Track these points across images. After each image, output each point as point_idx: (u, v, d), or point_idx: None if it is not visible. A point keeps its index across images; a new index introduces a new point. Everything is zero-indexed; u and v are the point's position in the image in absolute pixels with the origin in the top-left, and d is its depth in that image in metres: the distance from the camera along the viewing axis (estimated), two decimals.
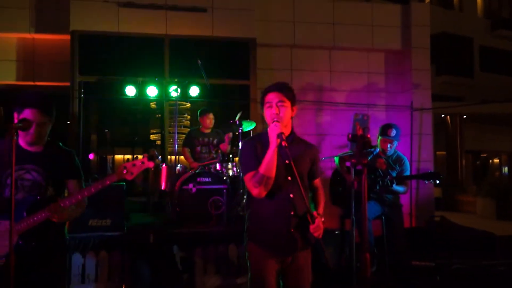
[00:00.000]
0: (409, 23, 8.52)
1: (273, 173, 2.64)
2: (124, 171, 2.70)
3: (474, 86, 18.86)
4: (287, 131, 2.80)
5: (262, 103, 2.85)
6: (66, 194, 2.93)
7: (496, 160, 22.09)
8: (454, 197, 15.15)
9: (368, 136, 2.92)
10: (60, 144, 3.00)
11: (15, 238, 2.56)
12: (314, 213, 2.72)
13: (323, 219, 2.72)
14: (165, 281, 5.01)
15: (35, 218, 2.67)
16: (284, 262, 2.79)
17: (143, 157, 2.75)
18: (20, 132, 2.74)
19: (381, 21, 8.54)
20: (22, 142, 2.78)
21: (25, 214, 2.67)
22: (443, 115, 16.01)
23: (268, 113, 2.78)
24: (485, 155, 21.03)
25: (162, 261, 5.09)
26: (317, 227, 2.64)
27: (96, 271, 4.94)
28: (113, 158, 13.16)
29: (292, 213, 2.72)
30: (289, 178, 2.73)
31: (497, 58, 19.62)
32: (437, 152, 17.10)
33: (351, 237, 4.20)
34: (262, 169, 2.64)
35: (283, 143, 2.59)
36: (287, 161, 2.66)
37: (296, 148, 2.80)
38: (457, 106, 15.30)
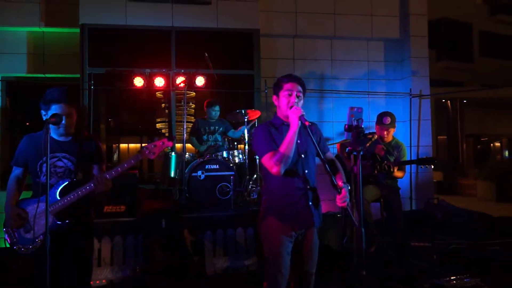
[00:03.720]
0: (407, 12, 8.62)
1: (292, 151, 2.80)
2: (147, 152, 2.96)
3: (474, 70, 18.91)
4: None
5: (279, 89, 3.00)
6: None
7: (497, 144, 22.16)
8: (455, 180, 15.37)
9: (362, 126, 3.23)
10: (86, 132, 3.27)
11: (51, 218, 2.86)
12: (340, 183, 2.88)
13: (348, 186, 2.87)
14: (177, 264, 5.21)
15: (79, 193, 2.94)
16: (299, 236, 2.94)
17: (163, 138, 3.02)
18: (52, 126, 3.03)
19: (380, 11, 8.64)
20: (54, 134, 3.06)
21: (58, 197, 2.96)
22: (443, 100, 16.13)
23: (286, 100, 2.94)
24: (486, 139, 21.10)
25: (174, 245, 5.30)
26: (344, 196, 2.79)
27: (111, 255, 5.13)
28: (118, 147, 13.40)
29: (308, 187, 2.91)
30: (303, 156, 2.95)
31: (496, 43, 19.61)
32: (439, 137, 17.24)
33: (351, 219, 4.45)
34: (283, 148, 2.79)
35: (306, 123, 2.78)
36: (299, 141, 2.91)
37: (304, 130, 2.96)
38: (455, 92, 15.41)
